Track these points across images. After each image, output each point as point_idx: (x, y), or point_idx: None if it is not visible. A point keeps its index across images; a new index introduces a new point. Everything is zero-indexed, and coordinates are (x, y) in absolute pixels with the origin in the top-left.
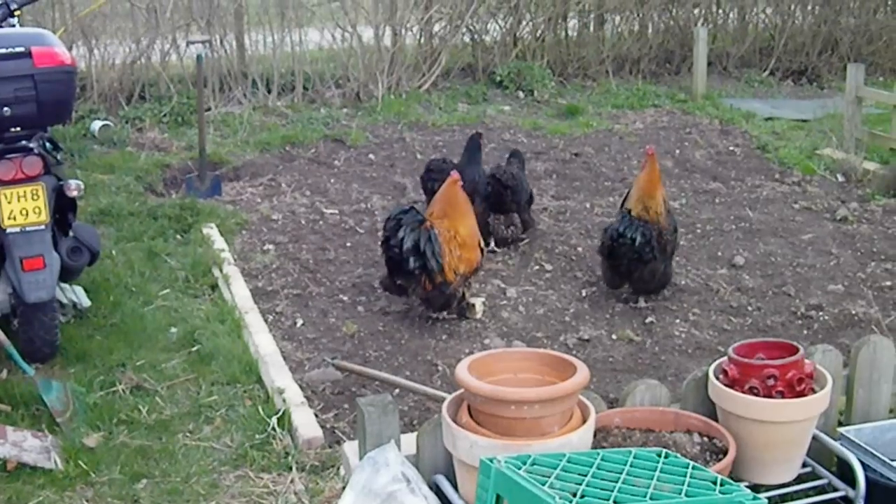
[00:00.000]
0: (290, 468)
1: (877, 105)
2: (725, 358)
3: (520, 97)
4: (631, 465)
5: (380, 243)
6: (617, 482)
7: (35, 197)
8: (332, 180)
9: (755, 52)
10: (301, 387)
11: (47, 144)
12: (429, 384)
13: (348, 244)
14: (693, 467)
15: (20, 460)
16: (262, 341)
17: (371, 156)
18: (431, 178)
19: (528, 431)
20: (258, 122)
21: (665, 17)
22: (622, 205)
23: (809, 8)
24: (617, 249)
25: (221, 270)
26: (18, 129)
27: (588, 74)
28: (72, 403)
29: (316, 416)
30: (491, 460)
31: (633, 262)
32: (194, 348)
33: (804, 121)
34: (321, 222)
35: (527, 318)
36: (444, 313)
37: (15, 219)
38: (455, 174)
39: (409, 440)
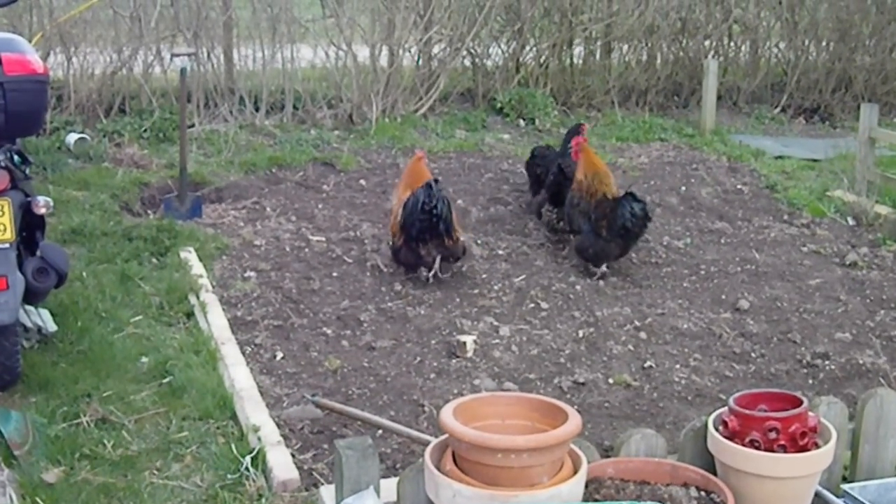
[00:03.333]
0: None
1: (890, 147)
2: (726, 408)
3: (520, 125)
4: None
5: (412, 213)
6: None
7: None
8: (319, 206)
9: (767, 88)
10: (278, 424)
11: (15, 157)
12: (414, 426)
13: (334, 274)
14: None
15: None
16: (239, 375)
17: (362, 181)
18: (536, 164)
19: (515, 481)
20: (244, 141)
21: (675, 48)
22: (576, 195)
23: (824, 44)
24: (636, 228)
25: (198, 298)
26: None
27: (593, 104)
28: (31, 435)
29: (293, 456)
30: None
31: (641, 233)
32: (166, 380)
33: (815, 161)
34: (307, 250)
35: (520, 359)
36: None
37: None
38: (419, 152)
39: (390, 486)
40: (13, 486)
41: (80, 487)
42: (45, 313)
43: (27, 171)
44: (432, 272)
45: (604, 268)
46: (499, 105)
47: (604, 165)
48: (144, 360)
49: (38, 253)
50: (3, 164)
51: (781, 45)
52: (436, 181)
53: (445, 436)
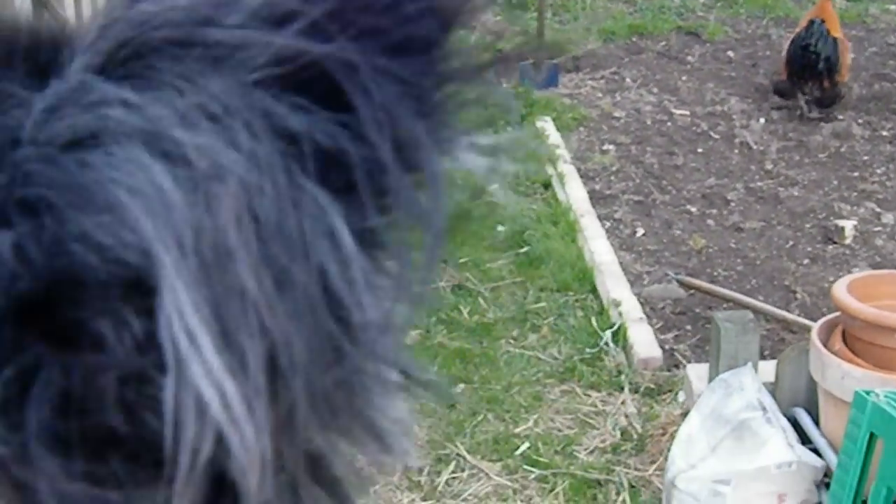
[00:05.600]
0: (622, 388)
1: None
2: None
3: None
4: None
5: (793, 48)
6: None
7: None
8: (683, 77)
9: None
10: (640, 302)
11: None
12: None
13: (699, 150)
14: None
15: None
16: (599, 248)
17: (730, 53)
18: None
19: None
20: (602, 7)
21: None
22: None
23: None
24: None
25: (556, 168)
26: None
27: None
28: None
29: (654, 335)
30: (868, 394)
31: None
32: (523, 249)
33: None
34: (669, 124)
35: None
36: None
37: None
38: None
39: (766, 368)
40: None
41: (436, 350)
42: None
43: None
44: (808, 108)
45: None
46: None
47: None
48: (501, 228)
49: None
50: None
51: None
52: (821, 21)
53: (834, 315)
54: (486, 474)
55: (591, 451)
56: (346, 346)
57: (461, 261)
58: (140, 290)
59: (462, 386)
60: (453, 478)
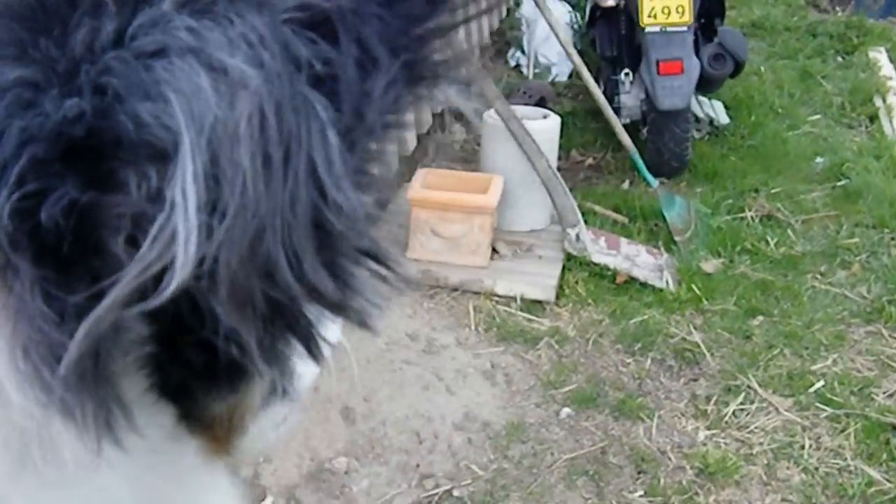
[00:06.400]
0: None
1: None
2: None
3: None
4: None
5: None
6: None
7: None
8: None
9: None
10: None
11: None
12: None
13: None
14: None
15: (630, 274)
16: None
17: None
18: None
19: None
20: None
21: None
22: None
23: None
24: None
25: (885, 100)
26: None
27: None
28: (693, 224)
29: None
30: None
31: None
32: (840, 183)
33: None
34: None
35: None
36: None
37: (655, 17)
38: None
39: None
40: (670, 271)
41: (737, 280)
42: (718, 105)
43: None
44: None
45: None
46: None
47: None
48: (819, 160)
49: (716, 39)
50: None
51: None
52: None
53: None
54: (776, 409)
55: (891, 395)
56: (329, 225)
57: (773, 191)
58: (163, 157)
59: (760, 318)
60: (741, 409)
